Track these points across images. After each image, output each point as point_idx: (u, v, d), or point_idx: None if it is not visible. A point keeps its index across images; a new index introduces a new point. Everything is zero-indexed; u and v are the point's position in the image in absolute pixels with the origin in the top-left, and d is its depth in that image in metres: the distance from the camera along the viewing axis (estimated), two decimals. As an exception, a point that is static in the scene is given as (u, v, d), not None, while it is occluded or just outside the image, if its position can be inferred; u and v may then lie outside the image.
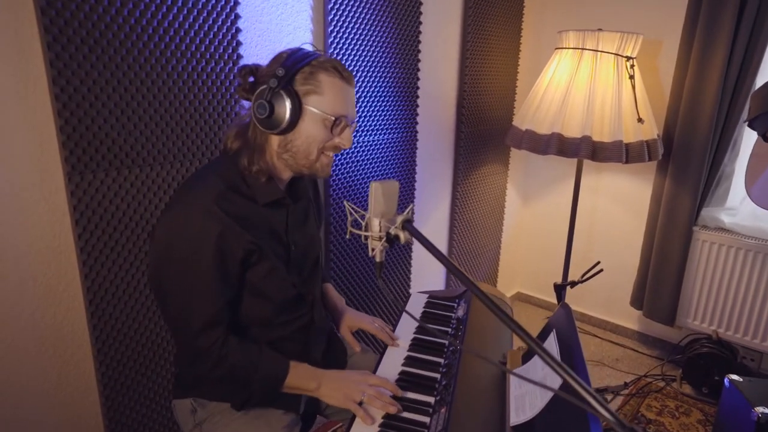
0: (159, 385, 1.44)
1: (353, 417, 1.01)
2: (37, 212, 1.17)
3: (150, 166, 1.30)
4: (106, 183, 1.23)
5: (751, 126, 1.61)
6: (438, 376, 1.17)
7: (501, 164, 2.75)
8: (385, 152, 2.00)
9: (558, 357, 1.01)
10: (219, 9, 1.36)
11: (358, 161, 1.89)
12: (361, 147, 1.89)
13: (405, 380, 1.15)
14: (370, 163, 1.95)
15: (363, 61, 1.80)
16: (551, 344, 1.08)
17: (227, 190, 1.01)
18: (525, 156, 2.87)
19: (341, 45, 1.71)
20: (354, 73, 1.77)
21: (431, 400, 1.08)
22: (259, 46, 1.51)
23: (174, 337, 1.22)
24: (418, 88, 2.08)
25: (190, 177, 1.09)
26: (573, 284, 2.05)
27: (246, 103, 1.09)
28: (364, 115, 1.87)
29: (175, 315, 1.03)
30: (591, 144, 2.01)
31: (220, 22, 1.37)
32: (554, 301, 3.07)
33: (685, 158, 2.29)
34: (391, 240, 0.86)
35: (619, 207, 2.70)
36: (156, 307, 1.37)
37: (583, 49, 2.06)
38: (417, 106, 2.10)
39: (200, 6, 1.31)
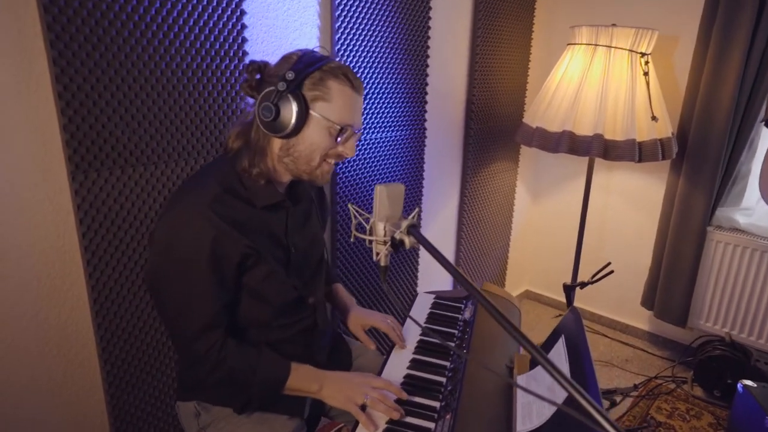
0: (164, 384, 1.43)
1: (356, 423, 0.99)
2: (40, 212, 1.16)
3: (155, 164, 1.29)
4: (110, 182, 1.22)
5: (768, 126, 1.57)
6: (444, 380, 1.15)
7: (510, 162, 2.72)
8: (392, 150, 1.97)
9: (567, 365, 0.99)
10: (224, 5, 1.34)
11: (365, 159, 1.87)
12: (368, 145, 1.87)
13: (410, 384, 1.13)
14: (378, 161, 1.92)
15: (370, 57, 1.77)
16: (559, 351, 1.06)
17: (224, 193, 0.99)
18: (535, 153, 2.82)
19: (348, 41, 1.68)
20: (361, 70, 1.75)
21: (436, 405, 1.06)
22: (265, 42, 1.49)
23: (172, 341, 1.22)
24: (426, 84, 2.05)
25: (188, 179, 1.07)
26: (583, 285, 2.02)
27: (252, 101, 1.07)
28: (371, 112, 1.84)
29: (171, 319, 1.02)
30: (603, 142, 1.97)
31: (225, 18, 1.35)
32: (563, 300, 3.03)
33: (700, 157, 2.24)
34: (396, 245, 0.83)
35: (631, 206, 2.65)
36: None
37: (596, 45, 2.01)
38: (425, 102, 2.07)
39: (205, 2, 1.30)
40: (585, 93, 2.01)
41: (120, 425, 1.36)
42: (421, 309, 1.47)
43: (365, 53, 1.75)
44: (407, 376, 1.16)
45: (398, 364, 1.20)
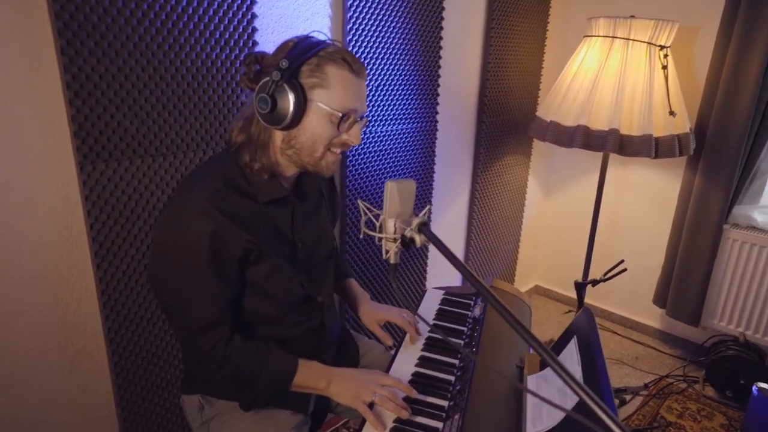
0: (172, 374, 1.44)
1: (363, 420, 0.98)
2: (49, 203, 1.15)
3: (163, 155, 1.28)
4: (118, 173, 1.21)
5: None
6: (452, 378, 1.13)
7: (522, 156, 2.68)
8: (403, 142, 1.95)
9: (579, 367, 0.97)
10: (234, -6, 1.31)
11: (375, 152, 1.84)
12: (379, 137, 1.84)
13: (418, 382, 1.11)
14: (388, 154, 1.90)
15: (382, 48, 1.74)
16: (572, 352, 1.03)
17: (225, 188, 0.97)
18: (548, 148, 2.78)
19: (360, 31, 1.65)
20: (373, 61, 1.72)
21: (444, 404, 1.04)
22: (275, 32, 1.46)
23: (177, 337, 1.21)
24: (439, 76, 2.01)
25: (190, 173, 1.05)
26: (595, 283, 1.99)
27: None
28: (382, 104, 1.81)
29: (174, 316, 1.01)
30: (618, 137, 1.92)
31: (235, 8, 1.32)
32: (573, 296, 3.00)
33: (717, 153, 2.19)
34: (406, 243, 0.81)
35: (645, 202, 2.60)
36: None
37: (613, 37, 1.96)
38: (437, 95, 2.04)
39: (215, -9, 1.27)
40: (601, 87, 1.97)
41: (128, 415, 1.36)
42: (430, 305, 1.45)
43: (377, 43, 1.72)
44: (415, 374, 1.14)
45: (406, 362, 1.19)
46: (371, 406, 1.00)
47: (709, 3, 2.20)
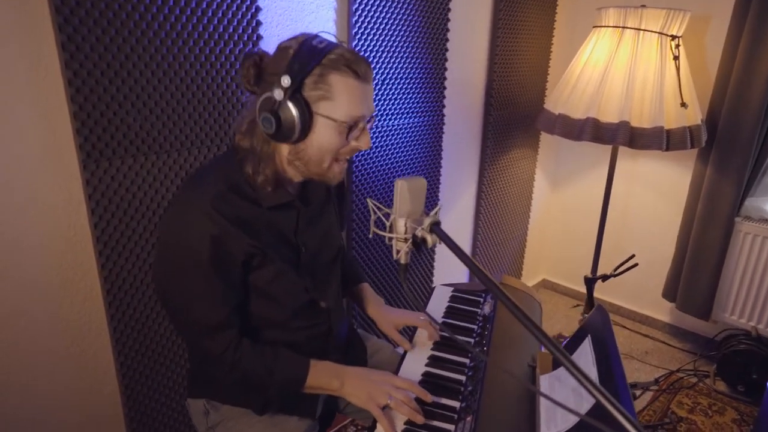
0: (179, 374, 1.42)
1: (374, 422, 0.96)
2: (52, 202, 1.14)
3: (167, 152, 1.26)
4: (122, 170, 1.19)
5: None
6: (463, 378, 1.11)
7: (530, 149, 2.64)
8: (410, 137, 1.92)
9: (594, 367, 0.94)
10: (238, -14, 1.28)
11: (382, 146, 1.82)
12: (385, 131, 1.81)
13: (428, 382, 1.10)
14: (395, 149, 1.87)
15: (388, 41, 1.71)
16: (586, 351, 1.01)
17: (228, 191, 0.94)
18: (555, 140, 2.74)
19: (366, 24, 1.62)
20: (379, 54, 1.69)
21: (456, 405, 1.03)
22: (280, 26, 1.43)
23: (182, 339, 1.19)
24: (445, 69, 1.98)
25: (194, 173, 1.03)
26: (605, 278, 1.96)
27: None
28: (389, 98, 1.78)
29: (176, 315, 1.00)
30: (629, 130, 1.89)
31: (239, 1, 1.29)
32: (580, 289, 2.97)
33: (729, 145, 2.15)
34: (418, 243, 0.79)
35: (655, 194, 2.57)
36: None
37: (624, 27, 1.92)
38: (444, 88, 2.00)
39: (218, -17, 1.24)
40: (611, 78, 1.93)
41: (134, 416, 1.35)
42: (438, 302, 1.43)
43: (383, 37, 1.69)
44: (426, 374, 1.12)
45: (416, 361, 1.17)
46: (384, 408, 0.98)
47: (721, -9, 2.15)
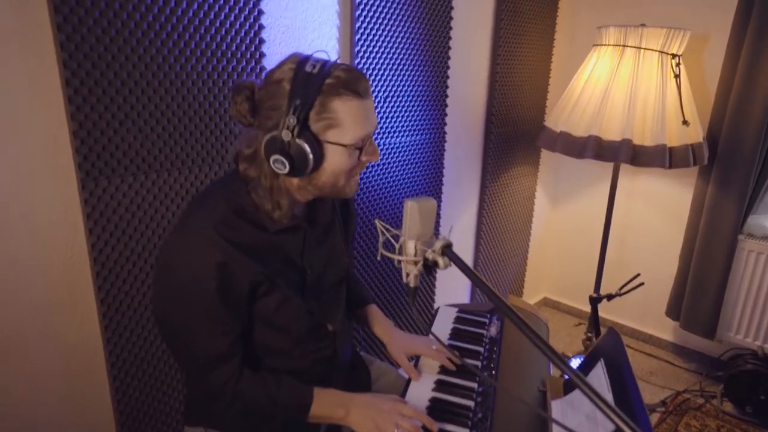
0: (176, 399, 1.38)
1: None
2: (49, 222, 1.11)
3: (167, 171, 1.24)
4: (121, 189, 1.17)
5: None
6: (472, 404, 1.08)
7: (530, 166, 2.64)
8: (412, 154, 1.90)
9: (610, 392, 0.91)
10: (242, 4, 1.28)
11: (383, 164, 1.80)
12: (387, 149, 1.80)
13: (436, 408, 1.06)
14: (397, 166, 1.86)
15: (391, 59, 1.71)
16: (599, 376, 0.98)
17: (232, 214, 0.91)
18: (555, 158, 2.74)
19: (368, 42, 1.62)
20: (381, 72, 1.68)
21: (465, 433, 0.99)
22: (282, 43, 1.42)
23: (185, 374, 1.14)
24: (447, 87, 1.97)
25: (195, 198, 1.00)
26: (610, 297, 1.93)
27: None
28: (391, 115, 1.77)
29: (179, 350, 0.96)
30: (631, 148, 1.88)
31: (242, 19, 1.29)
32: (582, 308, 2.95)
33: (731, 162, 2.14)
34: (429, 266, 0.77)
35: (656, 212, 2.56)
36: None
37: (624, 46, 1.93)
38: (446, 105, 2.00)
39: (222, 2, 1.24)
40: (612, 96, 1.93)
41: (130, 442, 1.31)
42: (443, 324, 1.40)
43: (385, 55, 1.68)
44: (433, 400, 1.09)
45: (422, 386, 1.13)
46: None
47: (718, 11, 2.16)
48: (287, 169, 0.88)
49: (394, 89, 1.75)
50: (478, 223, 2.40)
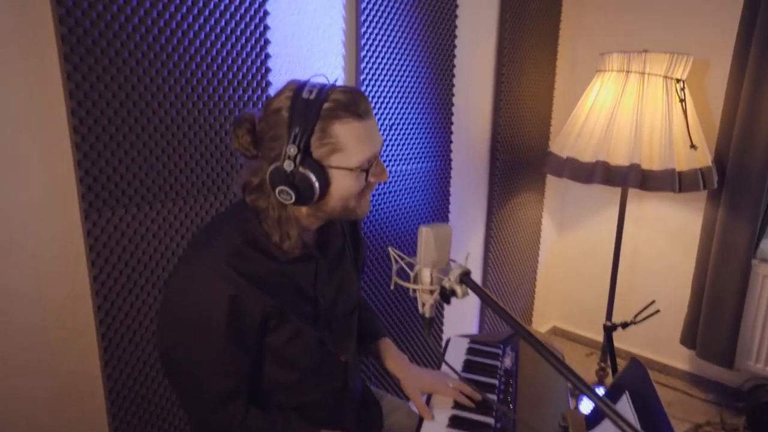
0: (177, 438, 1.32)
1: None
2: (50, 254, 1.08)
3: (173, 201, 1.22)
4: (125, 220, 1.14)
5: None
6: (490, 441, 1.02)
7: (536, 193, 2.62)
8: (418, 182, 1.89)
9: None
10: (248, 34, 1.28)
11: (390, 192, 1.78)
12: (393, 177, 1.78)
13: (452, 446, 1.01)
14: (403, 194, 1.84)
15: (396, 88, 1.71)
16: (625, 410, 0.93)
17: (243, 245, 0.88)
18: (561, 184, 2.72)
19: (374, 71, 1.62)
20: (387, 100, 1.68)
21: (485, 473, 0.93)
22: (288, 72, 1.42)
23: (188, 414, 1.09)
24: (452, 114, 1.97)
25: (204, 227, 0.97)
26: (625, 325, 1.88)
27: None
28: (397, 143, 1.77)
29: (185, 389, 0.92)
30: (640, 172, 1.86)
31: (249, 48, 1.29)
32: (593, 337, 2.88)
33: (739, 186, 2.12)
34: (446, 295, 0.73)
35: (665, 237, 2.52)
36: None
37: (628, 71, 1.93)
38: (451, 133, 1.99)
39: (228, 31, 1.24)
40: (618, 121, 1.92)
41: (129, 486, 1.24)
42: (454, 356, 1.34)
43: (390, 84, 1.69)
44: (448, 437, 1.03)
45: (436, 423, 1.08)
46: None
47: (717, 36, 2.18)
48: (293, 199, 0.85)
49: (399, 117, 1.75)
50: (485, 251, 2.36)
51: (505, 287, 2.53)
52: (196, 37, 1.18)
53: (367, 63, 1.59)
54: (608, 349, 2.00)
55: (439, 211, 2.02)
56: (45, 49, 1.00)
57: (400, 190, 1.82)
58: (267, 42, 1.32)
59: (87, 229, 1.09)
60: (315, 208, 0.91)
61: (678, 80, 1.90)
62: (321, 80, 0.89)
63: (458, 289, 0.72)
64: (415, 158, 1.85)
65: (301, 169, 0.84)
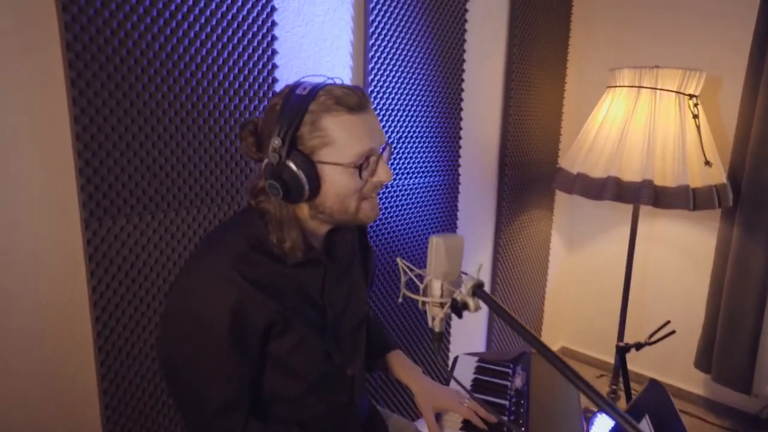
0: (174, 457, 1.27)
1: None
2: (50, 263, 1.05)
3: (175, 210, 1.19)
4: (126, 230, 1.12)
5: None
6: (500, 466, 0.97)
7: (545, 209, 2.58)
8: (426, 196, 1.86)
9: (660, 455, 0.81)
10: (255, 44, 1.27)
11: (397, 206, 1.75)
12: (402, 190, 1.75)
13: (461, 471, 0.96)
14: (411, 208, 1.80)
15: (404, 101, 1.69)
16: (645, 434, 0.88)
17: (248, 249, 0.85)
18: (570, 201, 2.68)
19: (381, 82, 1.60)
20: (395, 113, 1.66)
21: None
22: (296, 83, 1.41)
23: (186, 425, 1.05)
24: (460, 128, 1.95)
25: (210, 234, 0.94)
26: (639, 346, 1.82)
27: None
28: (406, 156, 1.74)
29: (186, 399, 0.88)
30: (653, 189, 1.82)
31: (256, 58, 1.28)
32: (603, 358, 2.80)
33: (756, 204, 2.07)
34: (458, 308, 0.69)
35: (677, 256, 2.46)
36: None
37: (639, 87, 1.91)
38: (459, 147, 1.97)
39: (235, 41, 1.23)
40: (630, 137, 1.89)
41: (122, 507, 1.19)
42: (463, 375, 1.30)
43: (398, 97, 1.67)
44: (457, 460, 0.98)
45: (444, 445, 1.03)
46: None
47: (729, 52, 2.16)
48: (281, 193, 0.83)
49: (407, 131, 1.73)
50: (493, 268, 2.32)
51: (514, 305, 2.47)
52: (202, 46, 1.17)
53: (374, 75, 1.58)
54: (621, 370, 1.94)
55: (446, 226, 1.99)
56: (49, 54, 0.99)
57: (407, 204, 1.79)
58: (274, 52, 1.31)
59: (87, 238, 1.06)
60: (313, 208, 0.89)
61: (691, 96, 1.88)
62: (319, 80, 0.88)
63: (471, 302, 0.68)
64: (423, 172, 1.82)
65: (287, 162, 0.82)
